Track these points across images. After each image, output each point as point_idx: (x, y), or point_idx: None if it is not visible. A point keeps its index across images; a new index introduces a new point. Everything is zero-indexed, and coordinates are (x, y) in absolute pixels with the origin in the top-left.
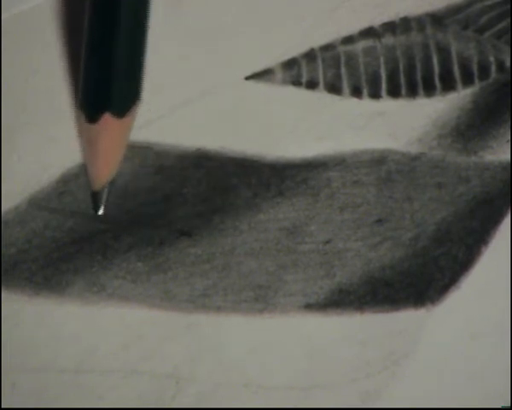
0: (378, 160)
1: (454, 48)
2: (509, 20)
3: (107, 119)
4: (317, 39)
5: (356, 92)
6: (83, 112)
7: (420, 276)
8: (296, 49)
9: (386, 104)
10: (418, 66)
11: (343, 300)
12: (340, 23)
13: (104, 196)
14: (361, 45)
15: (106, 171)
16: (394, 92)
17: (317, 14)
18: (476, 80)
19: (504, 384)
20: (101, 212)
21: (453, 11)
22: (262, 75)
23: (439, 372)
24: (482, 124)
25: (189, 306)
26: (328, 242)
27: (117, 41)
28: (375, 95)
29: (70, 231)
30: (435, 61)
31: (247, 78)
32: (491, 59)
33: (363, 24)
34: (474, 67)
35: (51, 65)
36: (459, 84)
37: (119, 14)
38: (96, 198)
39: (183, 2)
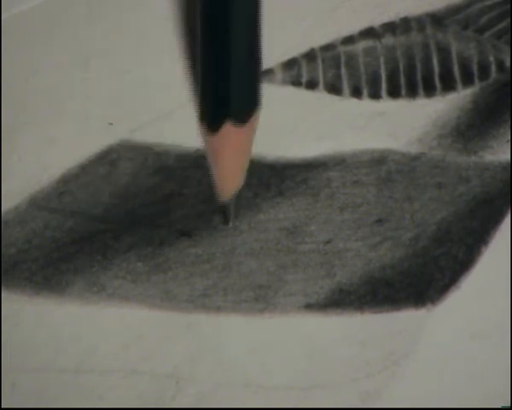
0: (378, 160)
1: (454, 48)
2: (508, 20)
3: (229, 128)
4: (317, 39)
5: (356, 92)
6: (204, 124)
7: (420, 276)
8: (296, 49)
9: (386, 104)
10: (418, 66)
11: (343, 300)
12: (340, 23)
13: (232, 208)
14: (361, 45)
15: (231, 182)
16: (394, 92)
17: (317, 14)
18: (476, 80)
19: (504, 384)
20: (230, 225)
21: (453, 11)
22: (262, 75)
23: (439, 372)
24: (482, 124)
25: (189, 306)
26: (328, 242)
27: (233, 50)
28: (375, 95)
29: (70, 231)
30: (435, 61)
31: None
32: (491, 59)
33: (363, 24)
34: (474, 67)
35: (51, 65)
36: (459, 85)
37: (232, 22)
38: (224, 211)
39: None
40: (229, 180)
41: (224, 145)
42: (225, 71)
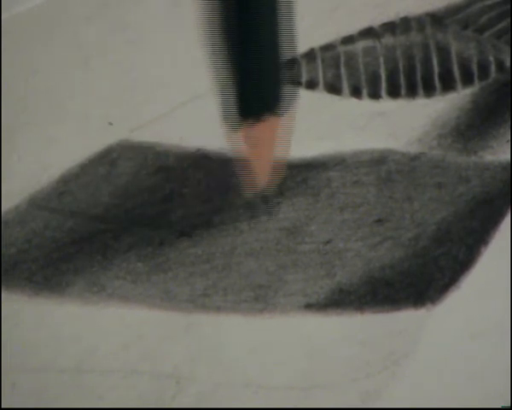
0: (378, 160)
1: (454, 48)
2: (508, 20)
3: (267, 119)
4: (317, 39)
5: (356, 92)
6: (242, 116)
7: (420, 276)
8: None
9: (386, 104)
10: (418, 66)
11: (343, 300)
12: (340, 23)
13: (271, 198)
14: (361, 45)
15: (267, 172)
16: (394, 92)
17: (317, 14)
18: (476, 80)
19: (504, 384)
20: (272, 214)
21: (453, 11)
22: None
23: (439, 372)
24: (482, 124)
25: (189, 306)
26: (328, 242)
27: (266, 43)
28: (375, 95)
29: (70, 231)
30: (435, 61)
31: None
32: (491, 59)
33: (363, 24)
34: (474, 67)
35: (51, 65)
36: (459, 84)
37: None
38: (264, 201)
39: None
40: (266, 170)
41: (264, 135)
42: (264, 65)
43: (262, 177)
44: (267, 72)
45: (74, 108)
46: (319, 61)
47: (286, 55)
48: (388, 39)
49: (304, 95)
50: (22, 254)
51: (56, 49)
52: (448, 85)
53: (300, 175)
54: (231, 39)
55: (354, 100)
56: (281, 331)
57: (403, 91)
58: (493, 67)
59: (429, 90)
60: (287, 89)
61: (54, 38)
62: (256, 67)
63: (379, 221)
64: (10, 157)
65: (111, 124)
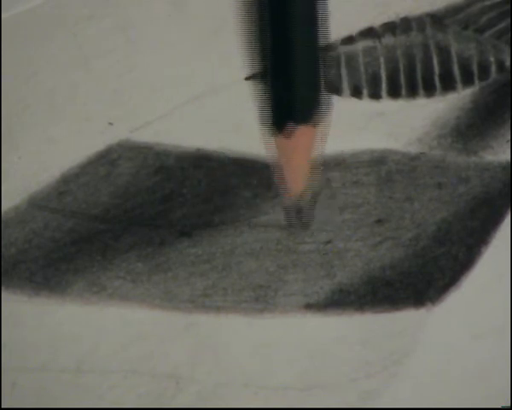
0: (378, 160)
1: (454, 48)
2: (509, 20)
3: (299, 129)
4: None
5: (356, 92)
6: (274, 126)
7: (420, 276)
8: None
9: (386, 104)
10: (418, 66)
11: (343, 300)
12: (340, 23)
13: (305, 209)
14: (361, 45)
15: (303, 181)
16: (394, 92)
17: None
18: (476, 80)
19: (504, 384)
20: (307, 227)
21: (453, 11)
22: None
23: (439, 372)
24: (482, 124)
25: (189, 306)
26: (328, 242)
27: (300, 52)
28: (375, 95)
29: (70, 231)
30: (435, 61)
31: (247, 78)
32: (491, 59)
33: (363, 24)
34: (474, 67)
35: (51, 65)
36: (459, 85)
37: (294, 25)
38: (297, 212)
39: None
40: (301, 180)
41: (293, 147)
42: (295, 73)
43: (296, 187)
44: (304, 78)
45: (74, 108)
46: None
47: (316, 66)
48: (388, 39)
49: None
50: (22, 254)
51: (56, 49)
52: (448, 85)
53: None
54: (265, 41)
55: (354, 100)
56: (281, 331)
57: (403, 92)
58: (493, 68)
59: (429, 91)
60: (323, 96)
61: (54, 38)
62: (291, 71)
63: (379, 221)
64: (10, 157)
65: (111, 124)
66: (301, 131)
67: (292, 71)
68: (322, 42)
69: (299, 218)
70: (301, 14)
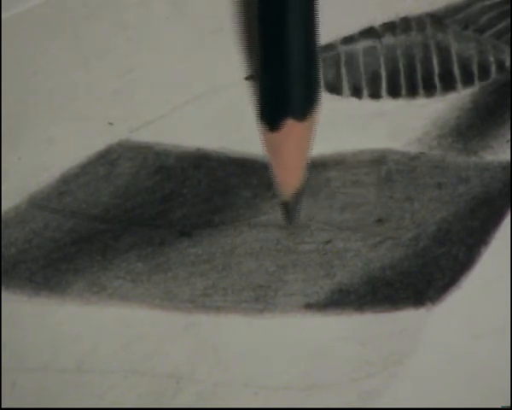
0: (378, 160)
1: (454, 48)
2: (508, 20)
3: (289, 124)
4: None
5: (356, 92)
6: (263, 121)
7: (420, 276)
8: None
9: (386, 104)
10: (418, 66)
11: (343, 300)
12: (340, 23)
13: (295, 206)
14: (361, 45)
15: (294, 178)
16: (394, 92)
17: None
18: (476, 80)
19: (504, 384)
20: (294, 223)
21: (453, 11)
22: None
23: (439, 372)
24: (482, 124)
25: (189, 306)
26: (328, 242)
27: (290, 44)
28: (375, 95)
29: (70, 231)
30: (435, 61)
31: (247, 78)
32: (491, 59)
33: (363, 24)
34: (474, 67)
35: (51, 65)
36: (459, 84)
37: (290, 20)
38: (287, 209)
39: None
40: (291, 177)
41: (284, 142)
42: (286, 66)
43: (286, 185)
44: (292, 75)
45: (74, 108)
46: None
47: (310, 59)
48: (389, 39)
49: None
50: (22, 254)
51: (56, 49)
52: (448, 85)
53: None
54: (259, 43)
55: (354, 100)
56: (281, 331)
57: (403, 91)
58: (493, 68)
59: (429, 90)
60: (317, 93)
61: (54, 38)
62: (278, 63)
63: (379, 221)
64: (10, 157)
65: (111, 124)
66: (294, 127)
67: (285, 66)
68: (317, 37)
69: (285, 213)
70: (296, 9)
